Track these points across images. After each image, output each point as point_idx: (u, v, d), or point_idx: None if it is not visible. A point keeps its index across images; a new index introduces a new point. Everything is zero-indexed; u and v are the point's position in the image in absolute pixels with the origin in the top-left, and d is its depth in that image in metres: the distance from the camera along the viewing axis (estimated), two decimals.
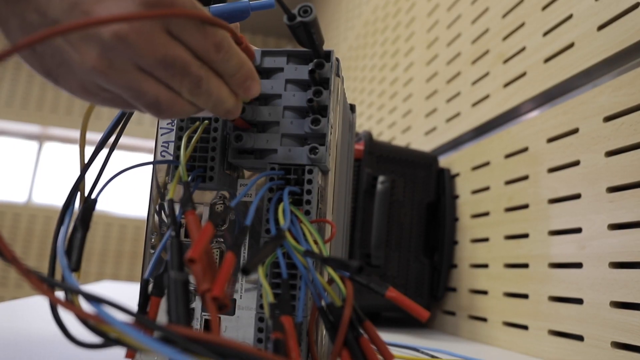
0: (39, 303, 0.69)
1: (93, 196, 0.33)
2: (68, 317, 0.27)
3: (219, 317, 0.37)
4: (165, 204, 0.38)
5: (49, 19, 0.26)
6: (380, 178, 0.77)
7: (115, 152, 0.36)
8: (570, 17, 0.58)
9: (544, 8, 0.63)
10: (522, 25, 0.67)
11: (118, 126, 0.36)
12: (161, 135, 0.40)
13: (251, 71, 0.32)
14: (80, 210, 0.33)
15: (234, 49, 0.30)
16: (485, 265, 0.71)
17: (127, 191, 3.04)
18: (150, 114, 0.30)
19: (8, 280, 2.81)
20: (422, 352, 0.54)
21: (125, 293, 1.05)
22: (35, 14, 0.26)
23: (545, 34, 0.62)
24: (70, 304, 0.24)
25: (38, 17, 0.26)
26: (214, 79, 0.30)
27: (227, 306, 0.25)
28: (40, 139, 3.27)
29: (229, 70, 0.30)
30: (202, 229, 0.26)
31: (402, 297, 0.29)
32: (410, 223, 0.81)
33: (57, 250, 0.28)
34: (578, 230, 0.54)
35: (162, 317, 0.30)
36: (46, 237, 2.92)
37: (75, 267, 0.30)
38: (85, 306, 0.24)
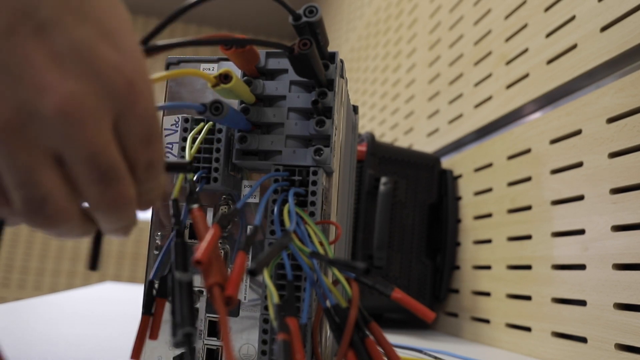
0: (41, 304, 0.69)
1: None
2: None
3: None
4: (170, 204, 0.38)
5: None
6: (383, 179, 0.77)
7: None
8: (573, 18, 0.58)
9: (547, 9, 0.63)
10: (525, 26, 0.68)
11: None
12: (165, 136, 0.40)
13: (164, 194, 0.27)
14: None
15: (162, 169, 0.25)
16: (488, 267, 0.71)
17: None
18: (17, 218, 0.22)
19: (10, 282, 2.82)
20: (426, 354, 0.54)
21: (128, 294, 1.06)
22: None
23: (548, 35, 0.62)
24: None
25: None
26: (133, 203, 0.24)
27: (233, 302, 0.24)
28: None
29: (148, 190, 0.25)
30: (209, 231, 0.26)
31: (408, 298, 0.29)
32: (413, 224, 0.81)
33: None
34: (581, 232, 0.54)
35: (167, 318, 0.30)
36: (48, 239, 2.92)
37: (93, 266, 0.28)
38: None
